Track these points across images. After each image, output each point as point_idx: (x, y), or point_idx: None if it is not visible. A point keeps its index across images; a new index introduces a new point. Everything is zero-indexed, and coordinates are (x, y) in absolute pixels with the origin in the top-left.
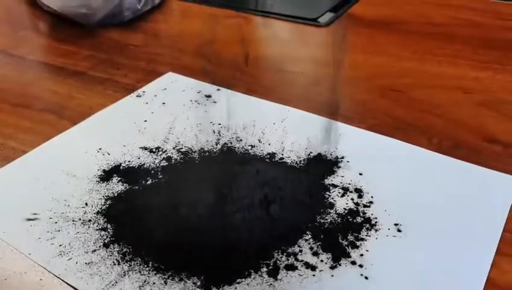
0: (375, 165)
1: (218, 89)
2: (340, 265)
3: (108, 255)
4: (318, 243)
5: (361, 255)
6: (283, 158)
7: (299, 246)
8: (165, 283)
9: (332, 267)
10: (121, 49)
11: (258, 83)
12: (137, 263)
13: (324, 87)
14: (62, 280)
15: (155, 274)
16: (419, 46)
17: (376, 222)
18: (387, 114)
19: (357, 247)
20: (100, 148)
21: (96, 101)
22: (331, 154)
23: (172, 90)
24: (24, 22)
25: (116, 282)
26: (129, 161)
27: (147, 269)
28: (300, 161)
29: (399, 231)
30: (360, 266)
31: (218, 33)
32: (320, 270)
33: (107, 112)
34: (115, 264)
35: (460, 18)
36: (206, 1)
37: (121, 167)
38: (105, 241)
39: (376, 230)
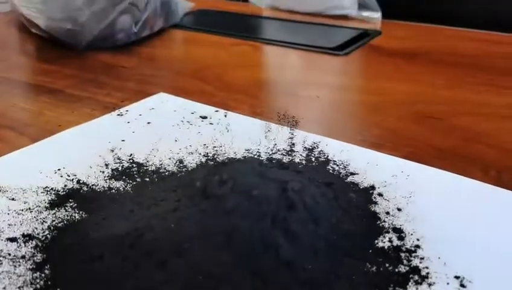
0: (418, 199)
1: (217, 110)
2: None
3: None
4: None
5: None
6: (289, 188)
7: None
8: None
9: None
10: (108, 70)
11: (263, 106)
12: None
13: (339, 112)
14: None
15: None
16: (451, 74)
17: (428, 274)
18: (424, 142)
19: None
20: (59, 169)
21: (67, 119)
22: (358, 185)
23: (161, 110)
24: (10, 44)
25: None
26: (93, 185)
27: None
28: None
29: (463, 286)
30: None
31: (222, 59)
32: None
33: (77, 130)
34: None
35: (487, 50)
36: (213, 30)
37: (81, 191)
38: (37, 285)
39: (429, 284)
